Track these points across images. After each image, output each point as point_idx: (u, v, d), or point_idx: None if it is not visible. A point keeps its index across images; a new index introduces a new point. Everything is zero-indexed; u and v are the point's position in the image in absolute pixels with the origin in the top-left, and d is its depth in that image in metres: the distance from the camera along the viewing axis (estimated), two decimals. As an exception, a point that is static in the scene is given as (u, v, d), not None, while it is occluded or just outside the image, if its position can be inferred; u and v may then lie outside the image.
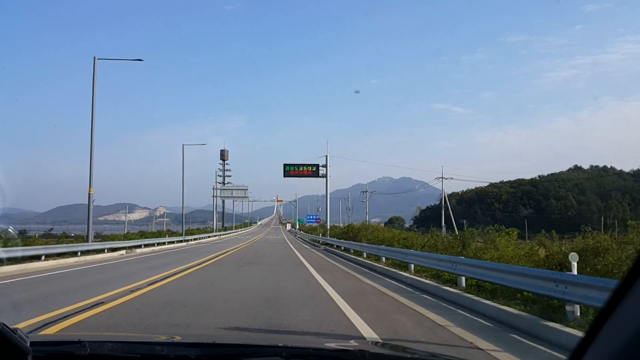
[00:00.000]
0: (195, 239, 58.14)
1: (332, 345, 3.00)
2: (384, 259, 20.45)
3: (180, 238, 51.84)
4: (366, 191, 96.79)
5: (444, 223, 77.95)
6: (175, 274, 17.16)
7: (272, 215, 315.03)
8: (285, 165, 48.14)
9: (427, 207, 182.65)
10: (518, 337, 7.36)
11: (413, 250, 17.57)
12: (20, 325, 7.25)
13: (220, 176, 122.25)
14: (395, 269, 17.22)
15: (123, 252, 33.20)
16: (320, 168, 47.54)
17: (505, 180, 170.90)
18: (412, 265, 16.23)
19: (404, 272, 15.91)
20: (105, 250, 30.99)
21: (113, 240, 38.19)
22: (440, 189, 79.69)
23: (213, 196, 79.03)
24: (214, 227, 78.79)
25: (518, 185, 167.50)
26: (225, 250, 36.15)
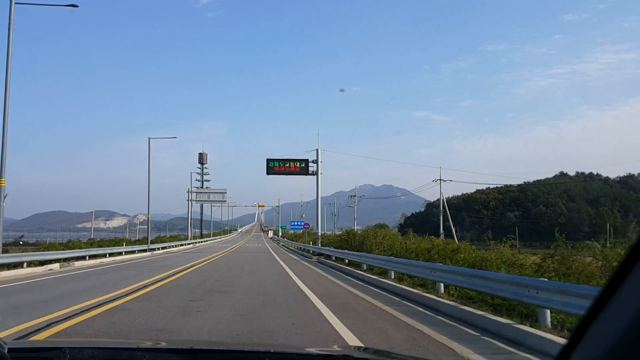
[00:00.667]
0: (163, 248, 49.63)
1: (315, 350, 2.79)
2: (442, 286, 11.90)
3: (144, 247, 42.98)
4: (354, 195, 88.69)
5: (442, 230, 69.86)
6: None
7: (254, 223, 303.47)
8: (268, 160, 39.40)
9: (412, 214, 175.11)
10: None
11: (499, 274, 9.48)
12: None
13: (198, 180, 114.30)
14: (491, 313, 8.86)
15: (55, 265, 24.82)
16: (310, 164, 39.09)
17: (497, 184, 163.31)
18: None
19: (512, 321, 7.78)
20: (24, 265, 22.36)
21: (48, 251, 29.36)
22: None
23: (188, 200, 70.10)
24: (189, 234, 69.67)
25: (506, 191, 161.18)
26: (191, 264, 27.83)
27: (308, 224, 47.50)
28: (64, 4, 22.95)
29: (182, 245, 59.89)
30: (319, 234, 39.93)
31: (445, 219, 68.84)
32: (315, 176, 38.98)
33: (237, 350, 2.78)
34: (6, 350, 1.83)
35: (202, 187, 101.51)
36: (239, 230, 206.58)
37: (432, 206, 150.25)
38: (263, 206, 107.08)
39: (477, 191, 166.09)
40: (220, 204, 73.92)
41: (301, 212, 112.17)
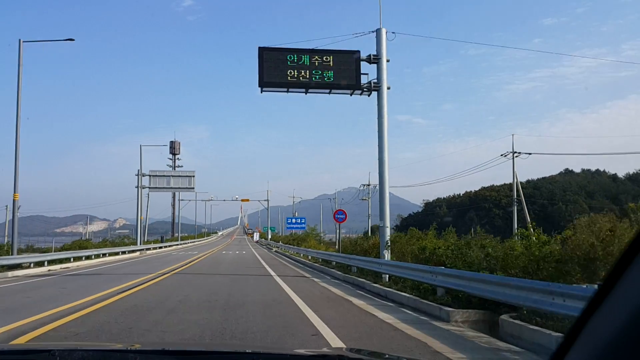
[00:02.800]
0: (87, 257, 29.32)
1: (308, 352, 2.63)
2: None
3: (38, 258, 20.49)
4: (368, 185, 66.17)
5: (516, 221, 46.67)
6: None
7: (236, 226, 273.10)
8: (263, 52, 15.74)
9: (410, 214, 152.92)
10: None
11: None
12: None
13: (170, 158, 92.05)
14: None
15: None
16: (368, 62, 16.11)
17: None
18: None
19: None
20: None
21: None
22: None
23: (137, 187, 46.13)
24: (138, 237, 45.33)
25: (507, 188, 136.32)
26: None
27: (344, 214, 21.39)
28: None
29: (132, 252, 39.47)
30: (388, 238, 16.17)
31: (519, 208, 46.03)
32: (377, 93, 15.64)
33: (228, 352, 2.59)
34: None
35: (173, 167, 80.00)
36: (220, 233, 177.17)
37: (432, 205, 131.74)
38: (247, 200, 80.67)
39: (483, 188, 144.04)
40: (187, 190, 49.54)
41: (293, 210, 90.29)
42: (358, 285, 14.39)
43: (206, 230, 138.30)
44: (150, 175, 47.26)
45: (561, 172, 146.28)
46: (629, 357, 0.93)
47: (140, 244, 44.66)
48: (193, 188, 49.76)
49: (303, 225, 55.51)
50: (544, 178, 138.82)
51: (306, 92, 16.52)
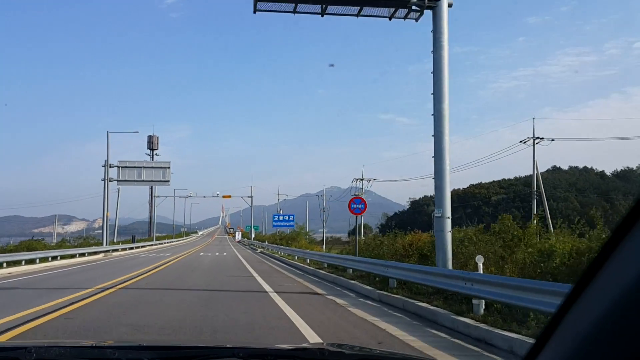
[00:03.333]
0: (29, 262, 23.55)
1: (289, 346, 2.57)
2: None
3: None
4: (361, 179, 61.01)
5: (536, 214, 40.20)
6: None
7: (217, 226, 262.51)
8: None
9: (395, 213, 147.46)
10: None
11: None
12: None
13: (148, 154, 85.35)
14: None
15: None
16: None
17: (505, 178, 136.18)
18: None
19: None
20: None
21: None
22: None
23: (103, 179, 39.74)
24: (104, 236, 38.76)
25: (508, 185, 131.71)
26: None
27: (364, 203, 15.71)
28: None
29: (74, 256, 30.75)
30: (448, 233, 10.44)
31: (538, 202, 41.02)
32: (433, 12, 9.81)
33: (211, 347, 2.54)
34: None
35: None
36: (200, 233, 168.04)
37: (417, 204, 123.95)
38: (229, 196, 71.77)
39: (473, 185, 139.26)
40: (161, 184, 43.11)
41: (278, 208, 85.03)
42: (424, 317, 8.48)
43: (185, 229, 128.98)
44: (119, 167, 40.74)
45: (548, 169, 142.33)
46: (606, 354, 0.90)
47: (107, 245, 38.23)
48: (168, 181, 42.91)
49: (291, 223, 49.09)
50: (530, 176, 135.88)
51: (323, 14, 10.67)
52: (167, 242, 71.12)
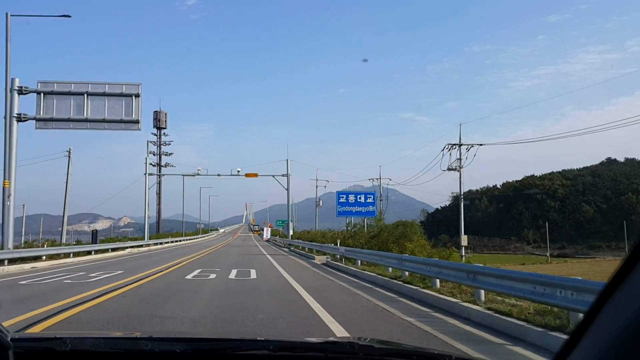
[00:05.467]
0: None
1: (318, 339, 2.54)
2: None
3: None
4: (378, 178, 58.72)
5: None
6: None
7: (241, 224, 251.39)
8: None
9: (437, 209, 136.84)
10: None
11: None
12: None
13: (153, 153, 72.58)
14: None
15: None
16: None
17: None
18: None
19: None
20: None
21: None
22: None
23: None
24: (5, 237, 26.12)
25: (574, 176, 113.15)
26: None
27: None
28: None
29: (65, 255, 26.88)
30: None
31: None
32: None
33: (240, 339, 2.55)
34: (9, 339, 1.79)
35: (159, 163, 69.19)
36: (222, 231, 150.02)
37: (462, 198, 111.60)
38: (255, 175, 45.04)
39: (527, 177, 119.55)
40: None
41: (316, 198, 76.94)
42: None
43: (202, 226, 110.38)
44: (40, 93, 24.89)
45: (603, 161, 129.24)
46: (637, 356, 0.90)
47: (97, 244, 35.48)
48: (137, 122, 26.34)
49: (371, 209, 30.80)
50: (585, 168, 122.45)
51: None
52: (170, 242, 58.23)
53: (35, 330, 7.09)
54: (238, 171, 51.23)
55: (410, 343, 5.95)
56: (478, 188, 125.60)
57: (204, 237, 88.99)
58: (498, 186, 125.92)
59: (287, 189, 52.60)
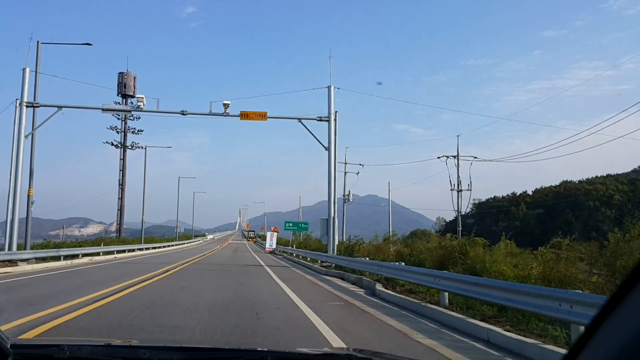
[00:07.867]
0: None
1: (316, 351, 2.53)
2: None
3: None
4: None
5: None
6: None
7: (234, 230, 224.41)
8: None
9: (455, 217, 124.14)
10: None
11: None
12: None
13: (116, 130, 56.06)
14: None
15: None
16: None
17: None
18: None
19: None
20: None
21: None
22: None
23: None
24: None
25: (630, 181, 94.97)
26: None
27: None
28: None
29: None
30: None
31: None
32: None
33: (239, 349, 2.53)
34: (9, 346, 1.78)
35: (124, 130, 55.40)
36: (210, 237, 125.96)
37: (485, 206, 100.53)
38: (246, 116, 38.53)
39: (572, 182, 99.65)
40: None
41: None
42: None
43: (182, 232, 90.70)
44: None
45: (635, 169, 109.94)
46: None
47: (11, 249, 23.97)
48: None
49: None
50: (609, 175, 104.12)
51: None
52: (151, 249, 47.54)
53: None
54: (225, 106, 25.71)
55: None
56: (504, 195, 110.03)
57: (181, 244, 65.88)
58: (529, 192, 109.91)
59: (329, 148, 26.33)
